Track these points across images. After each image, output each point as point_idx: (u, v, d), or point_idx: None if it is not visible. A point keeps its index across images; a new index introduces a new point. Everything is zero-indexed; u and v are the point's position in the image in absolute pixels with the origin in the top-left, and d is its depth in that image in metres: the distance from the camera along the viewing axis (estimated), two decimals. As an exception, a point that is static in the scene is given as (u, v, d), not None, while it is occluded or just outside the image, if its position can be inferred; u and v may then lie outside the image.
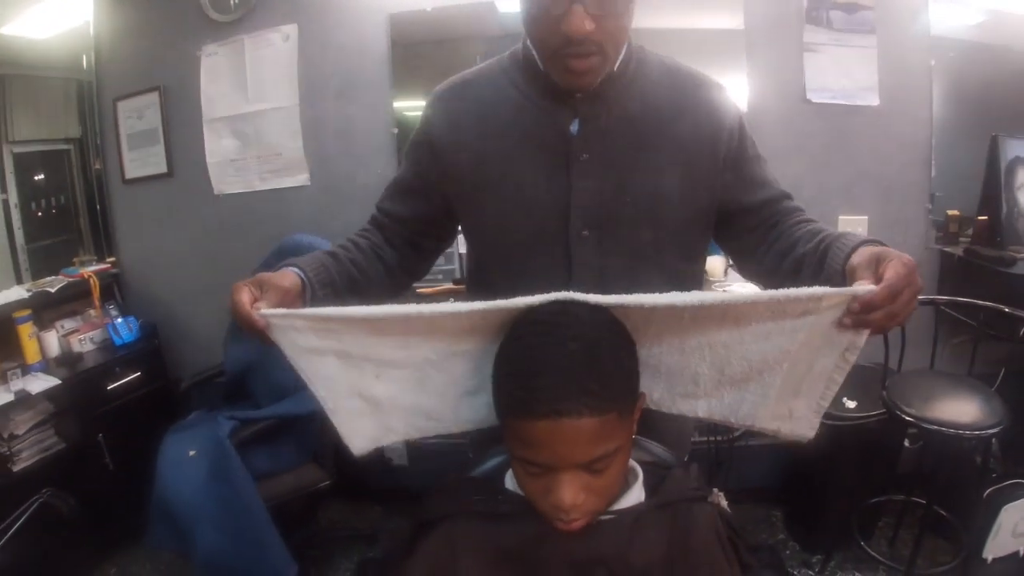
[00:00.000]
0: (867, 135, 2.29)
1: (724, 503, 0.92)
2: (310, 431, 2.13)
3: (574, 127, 1.03)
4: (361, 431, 0.92)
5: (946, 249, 2.33)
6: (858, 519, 2.20)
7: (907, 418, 1.79)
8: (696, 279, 1.21)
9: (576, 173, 1.03)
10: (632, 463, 0.88)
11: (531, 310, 0.80)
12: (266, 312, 0.83)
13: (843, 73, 2.27)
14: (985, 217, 2.28)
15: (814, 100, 2.29)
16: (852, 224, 2.33)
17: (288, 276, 0.94)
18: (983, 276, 2.16)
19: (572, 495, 0.73)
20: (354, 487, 2.48)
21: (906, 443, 2.19)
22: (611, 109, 1.03)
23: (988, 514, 1.91)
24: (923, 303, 2.06)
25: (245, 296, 0.84)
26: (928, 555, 2.16)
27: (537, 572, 0.81)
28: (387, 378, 0.88)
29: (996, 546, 1.91)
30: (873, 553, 2.13)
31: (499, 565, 0.82)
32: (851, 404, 2.11)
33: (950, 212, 2.32)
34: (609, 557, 0.80)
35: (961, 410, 1.78)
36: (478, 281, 1.21)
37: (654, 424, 0.97)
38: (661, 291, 0.81)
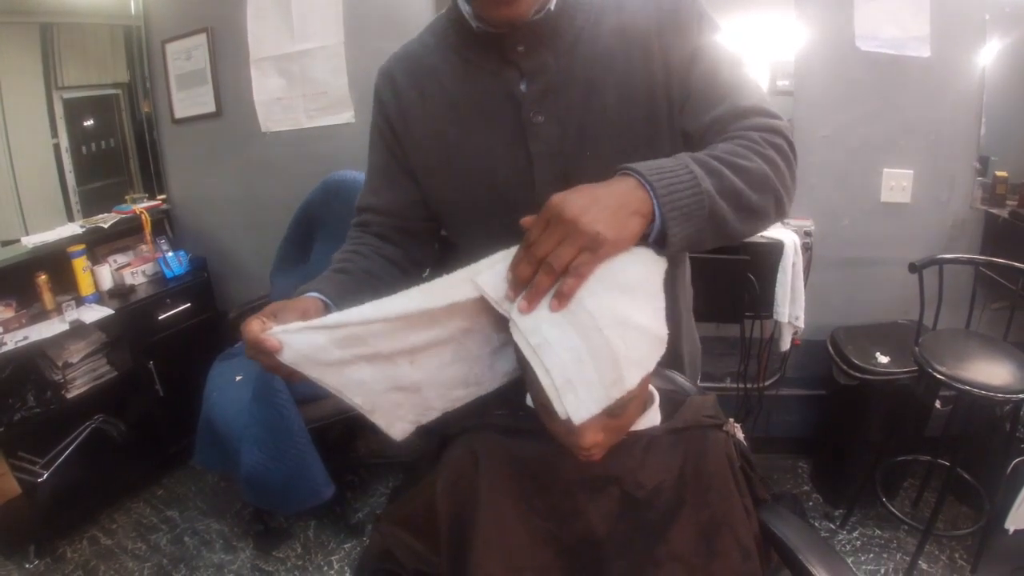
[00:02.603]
0: (916, 87, 2.21)
1: (740, 435, 0.94)
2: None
3: (523, 86, 0.93)
4: (401, 418, 0.89)
5: (992, 210, 2.26)
6: (883, 477, 2.20)
7: (938, 376, 1.78)
8: None
9: (533, 139, 0.94)
10: (650, 388, 0.89)
11: None
12: (277, 329, 0.75)
13: (894, 22, 2.17)
14: (1034, 181, 2.19)
15: (863, 48, 2.20)
16: (897, 178, 2.28)
17: (305, 300, 0.88)
18: (1027, 241, 2.09)
19: (591, 437, 0.75)
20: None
21: (937, 405, 2.17)
22: (557, 56, 0.92)
23: (1013, 484, 1.89)
24: (962, 263, 2.02)
25: (255, 324, 0.76)
26: (950, 520, 2.17)
27: (553, 486, 0.85)
28: (422, 361, 0.84)
29: (1018, 517, 1.90)
30: (895, 511, 2.14)
31: (517, 477, 0.86)
32: (884, 359, 2.10)
33: (998, 173, 2.24)
34: (622, 476, 0.84)
35: (993, 372, 1.76)
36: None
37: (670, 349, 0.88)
38: None
